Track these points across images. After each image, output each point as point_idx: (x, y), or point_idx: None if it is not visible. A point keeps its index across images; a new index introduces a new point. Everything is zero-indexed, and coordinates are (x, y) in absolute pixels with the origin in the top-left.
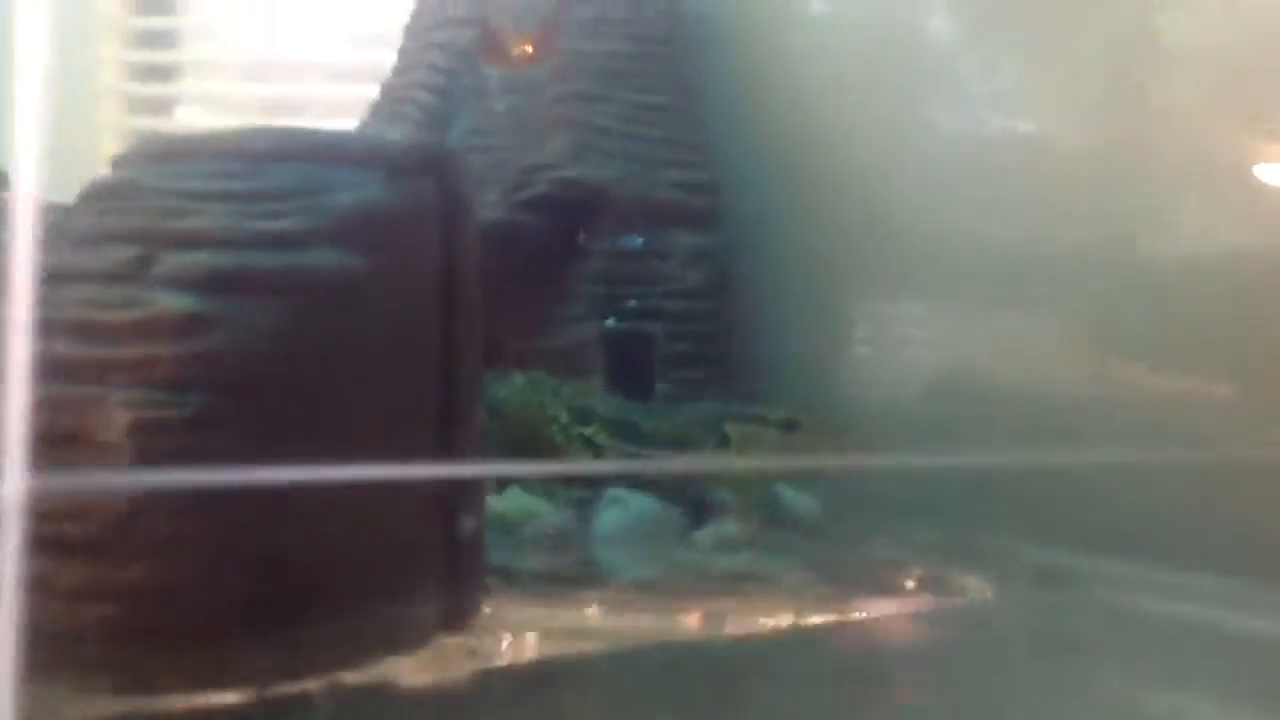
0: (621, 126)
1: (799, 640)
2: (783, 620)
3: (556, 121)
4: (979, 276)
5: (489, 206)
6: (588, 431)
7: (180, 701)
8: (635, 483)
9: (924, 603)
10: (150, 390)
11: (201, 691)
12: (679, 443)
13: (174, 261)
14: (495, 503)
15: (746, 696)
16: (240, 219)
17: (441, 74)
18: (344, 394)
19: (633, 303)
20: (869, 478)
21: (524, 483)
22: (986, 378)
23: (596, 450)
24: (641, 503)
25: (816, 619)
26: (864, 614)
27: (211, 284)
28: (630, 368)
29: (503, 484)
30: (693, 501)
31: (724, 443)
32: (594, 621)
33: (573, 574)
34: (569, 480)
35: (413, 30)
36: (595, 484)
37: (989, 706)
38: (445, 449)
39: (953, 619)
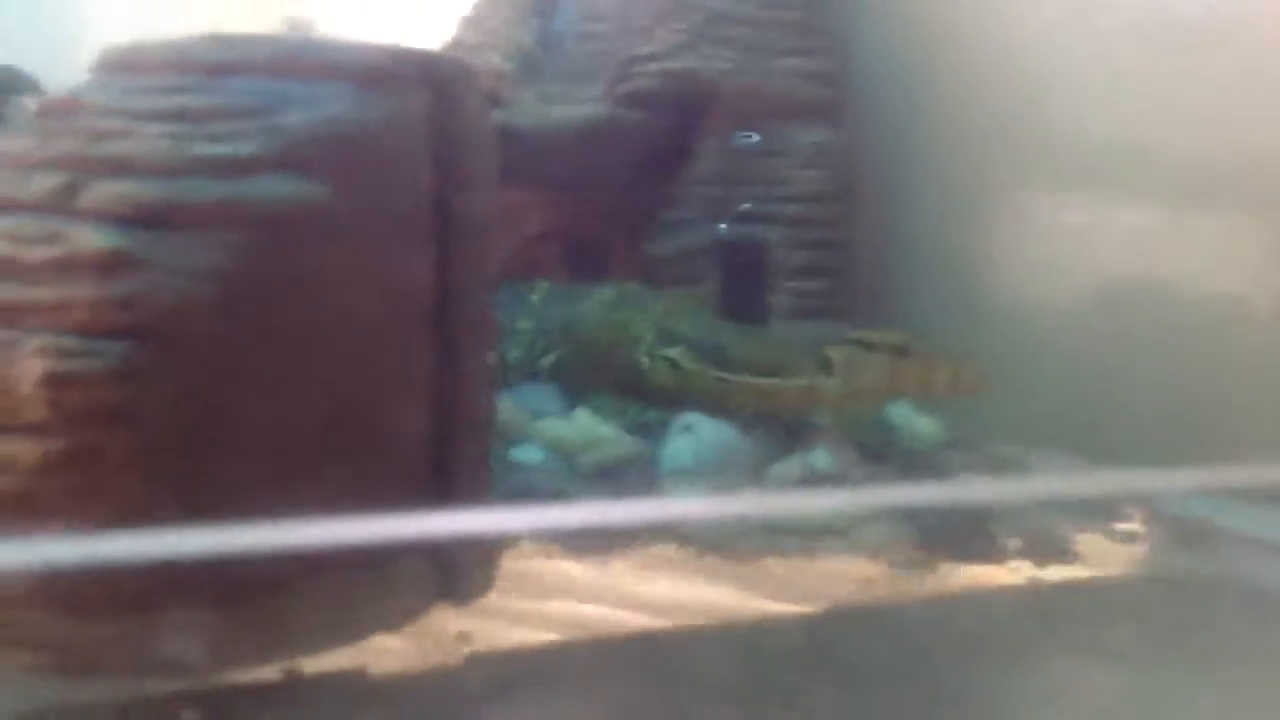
0: (736, 11)
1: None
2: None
3: (670, 6)
4: (1152, 184)
5: (591, 101)
6: (673, 353)
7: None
8: (717, 407)
9: (1025, 573)
10: (68, 337)
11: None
12: (771, 368)
13: (101, 190)
14: (555, 426)
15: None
16: (180, 141)
17: None
18: (303, 342)
19: (746, 206)
20: (1005, 398)
21: (596, 402)
22: (1157, 292)
23: (680, 373)
24: (713, 431)
25: (882, 592)
26: (944, 586)
27: (139, 217)
28: (742, 278)
29: (575, 402)
30: (785, 428)
31: (825, 368)
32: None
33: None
34: (647, 401)
35: None
36: (673, 406)
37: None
38: (441, 397)
39: (1058, 598)
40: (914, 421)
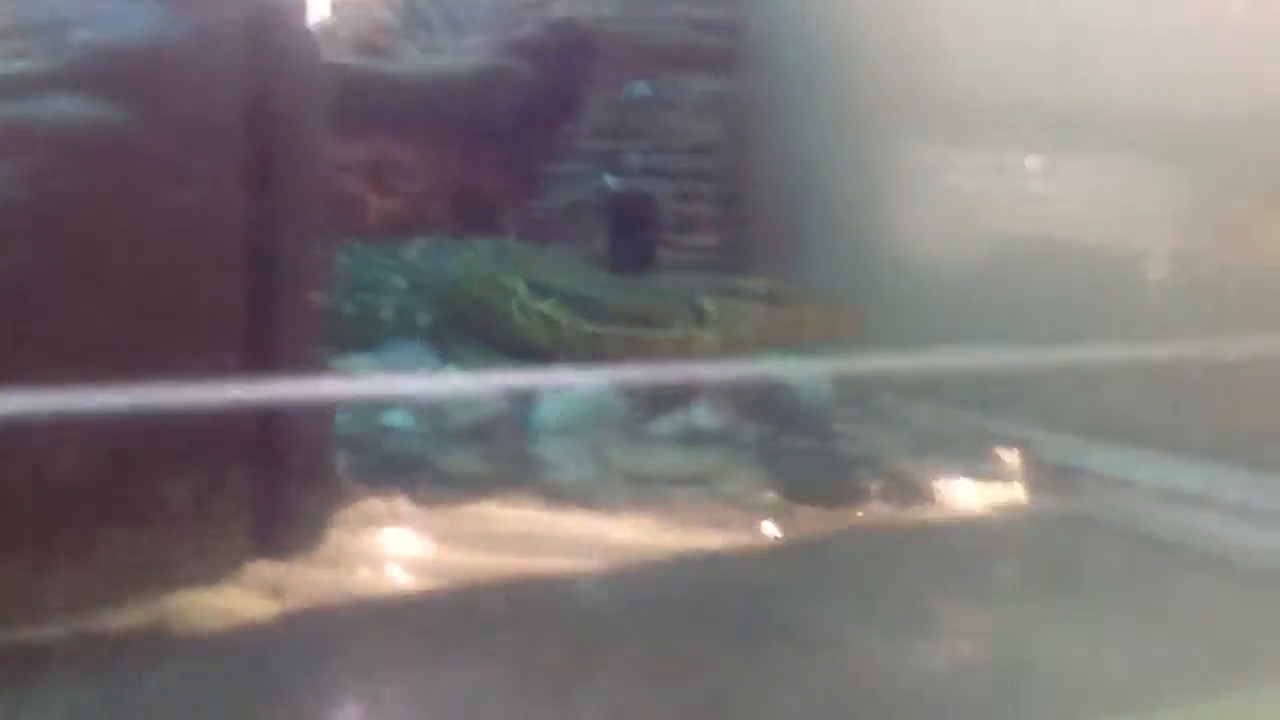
0: None
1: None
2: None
3: None
4: (1049, 141)
5: (473, 50)
6: (544, 307)
7: None
8: (592, 361)
9: (879, 516)
10: None
11: None
12: (646, 319)
13: None
14: (424, 384)
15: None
16: None
17: None
18: (94, 275)
19: (633, 158)
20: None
21: (469, 360)
22: (1050, 250)
23: (553, 327)
24: (585, 388)
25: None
26: (797, 532)
27: None
28: (630, 230)
29: (447, 360)
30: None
31: (700, 319)
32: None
33: (485, 474)
34: (521, 359)
35: None
36: (548, 362)
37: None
38: (260, 342)
39: (912, 540)
40: (799, 369)
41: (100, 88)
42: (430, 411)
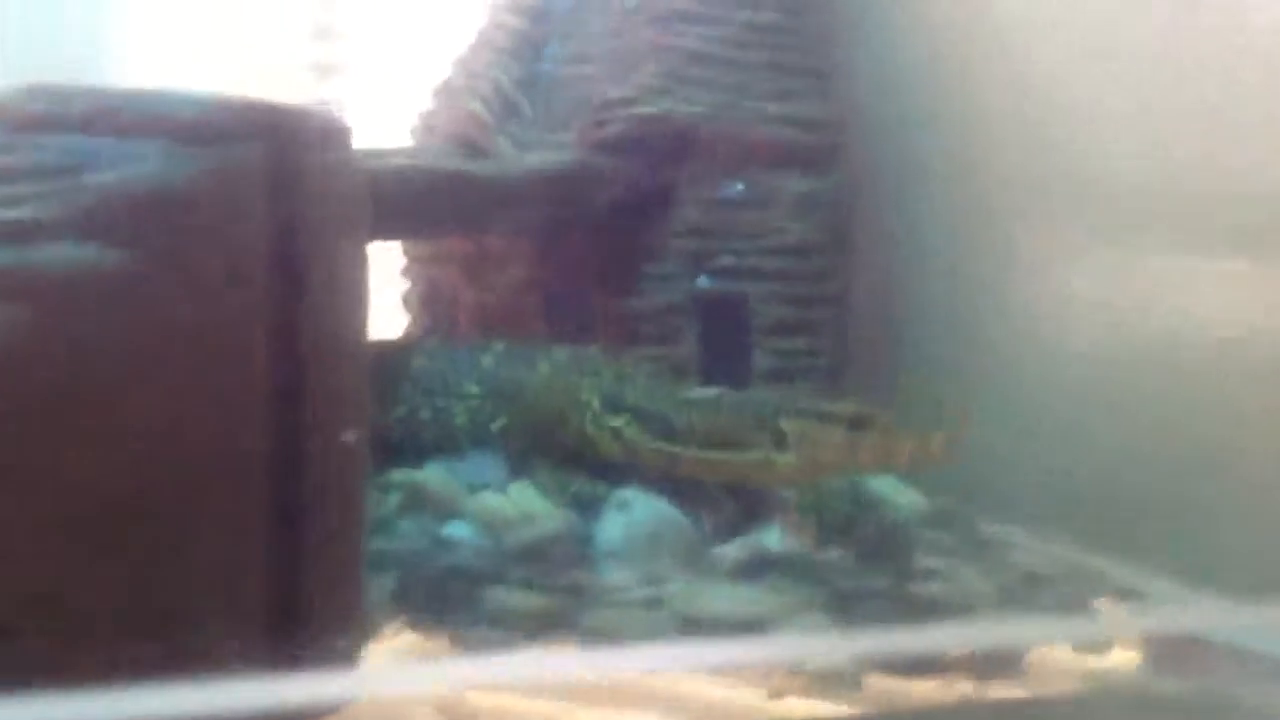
0: (723, 51)
1: None
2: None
3: (649, 47)
4: (1185, 234)
5: (564, 148)
6: (617, 423)
7: None
8: (665, 481)
9: (959, 688)
10: None
11: None
12: (721, 440)
13: None
14: (489, 500)
15: None
16: None
17: None
18: (98, 427)
19: (727, 260)
20: (1004, 471)
21: (540, 474)
22: (1184, 364)
23: (625, 444)
24: (648, 508)
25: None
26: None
27: None
28: (721, 336)
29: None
30: (743, 502)
31: (779, 440)
32: None
33: (533, 611)
34: (596, 473)
35: None
36: (621, 479)
37: None
38: (286, 495)
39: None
40: (894, 492)
41: (111, 234)
42: (491, 523)
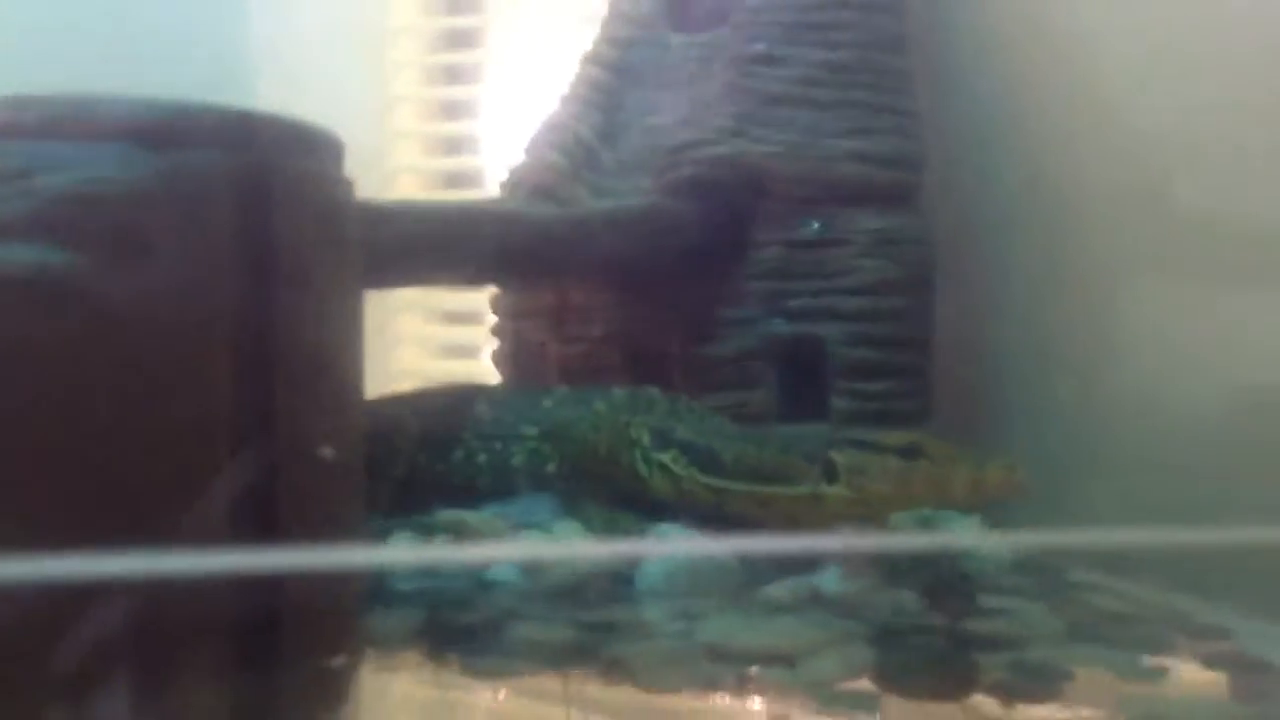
0: (799, 92)
1: None
2: None
3: (724, 90)
4: None
5: (640, 193)
6: (665, 458)
7: None
8: (714, 517)
9: (983, 712)
10: None
11: None
12: (770, 475)
13: None
14: (529, 539)
15: None
16: None
17: (618, 46)
18: (47, 428)
19: (803, 301)
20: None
21: (586, 513)
22: None
23: (674, 479)
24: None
25: None
26: None
27: None
28: (799, 379)
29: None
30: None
31: (830, 474)
32: None
33: (554, 642)
34: (647, 510)
35: None
36: (671, 516)
37: None
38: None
39: None
40: (965, 528)
41: (63, 234)
42: (532, 564)
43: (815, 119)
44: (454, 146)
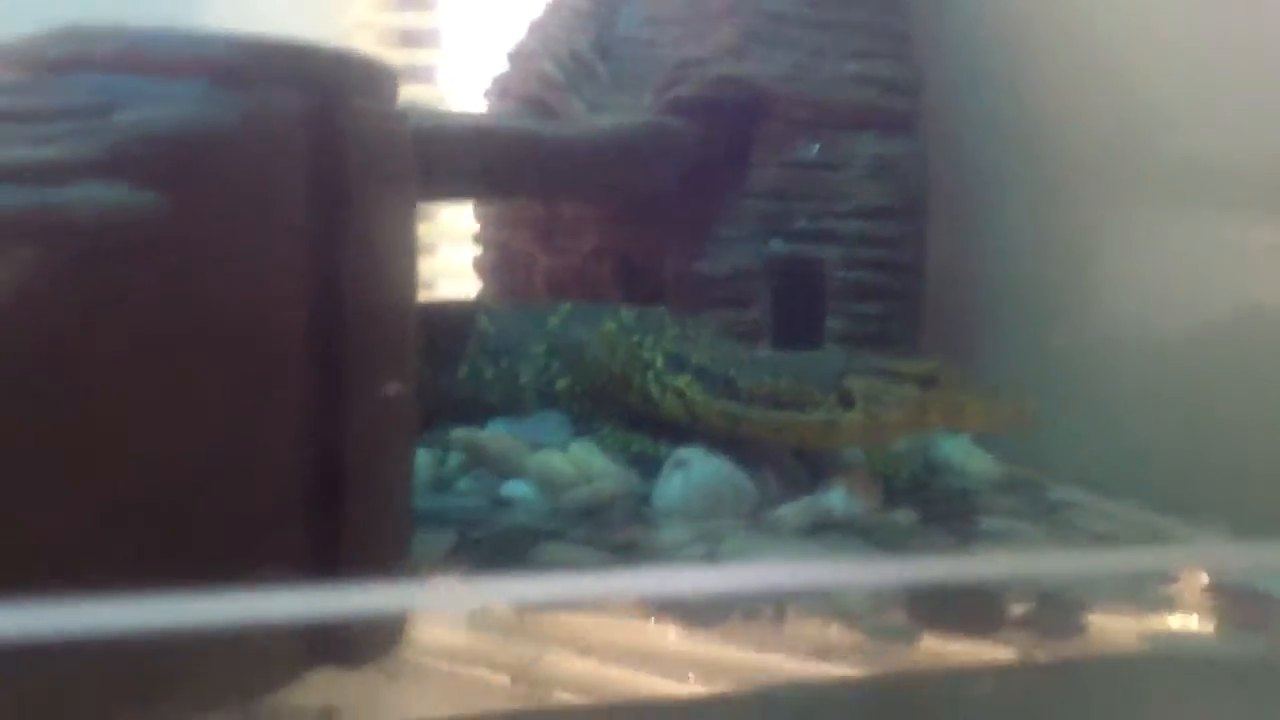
0: (800, 12)
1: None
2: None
3: (725, 8)
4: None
5: (637, 109)
6: (680, 383)
7: None
8: (728, 441)
9: (1016, 646)
10: None
11: None
12: (785, 401)
13: None
14: (549, 459)
15: None
16: None
17: None
18: (126, 374)
19: (801, 223)
20: (1082, 436)
21: (602, 434)
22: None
23: (688, 404)
24: (706, 467)
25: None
26: (909, 661)
27: None
28: (796, 299)
29: (581, 432)
30: (808, 463)
31: (845, 399)
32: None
33: (584, 564)
34: (659, 432)
35: None
36: (685, 439)
37: None
38: (325, 446)
39: (1054, 682)
40: (966, 456)
41: (141, 174)
42: (550, 482)
43: (817, 41)
44: (412, 79)
